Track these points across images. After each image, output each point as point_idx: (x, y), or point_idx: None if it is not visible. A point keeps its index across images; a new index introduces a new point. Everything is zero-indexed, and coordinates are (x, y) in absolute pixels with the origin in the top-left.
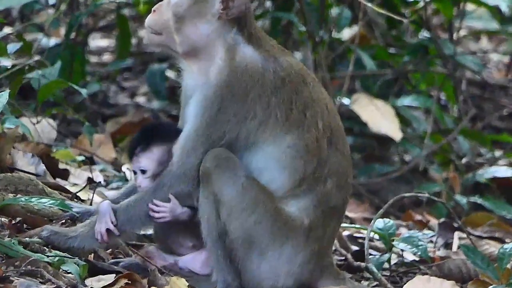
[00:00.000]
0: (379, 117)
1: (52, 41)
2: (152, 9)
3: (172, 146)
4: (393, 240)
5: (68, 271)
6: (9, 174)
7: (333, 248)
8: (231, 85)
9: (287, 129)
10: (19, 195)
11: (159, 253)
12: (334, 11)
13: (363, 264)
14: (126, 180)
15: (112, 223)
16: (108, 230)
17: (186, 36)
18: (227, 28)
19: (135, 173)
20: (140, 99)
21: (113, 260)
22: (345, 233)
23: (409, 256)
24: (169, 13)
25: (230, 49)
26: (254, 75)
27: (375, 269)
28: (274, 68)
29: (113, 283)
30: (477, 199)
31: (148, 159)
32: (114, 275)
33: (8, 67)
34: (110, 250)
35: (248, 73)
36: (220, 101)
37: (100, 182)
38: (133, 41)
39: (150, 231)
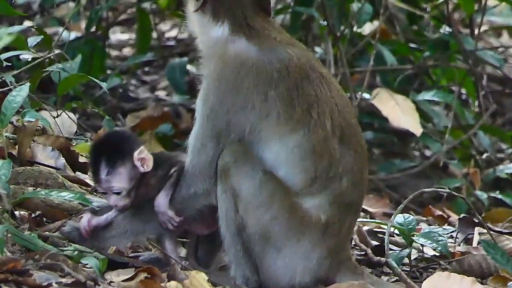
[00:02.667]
0: (399, 112)
1: (73, 35)
2: None
3: (132, 155)
4: (413, 235)
5: (88, 265)
6: (29, 167)
7: (353, 243)
8: (224, 76)
9: (292, 129)
10: (38, 189)
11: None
12: (355, 6)
13: (383, 259)
14: None
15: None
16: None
17: (191, 31)
18: (214, 22)
19: (104, 193)
20: (160, 93)
21: (132, 254)
22: (365, 228)
23: (429, 252)
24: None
25: (221, 42)
26: (246, 64)
27: (395, 264)
28: (269, 59)
29: (133, 277)
30: (497, 195)
31: (120, 181)
32: (134, 269)
33: (28, 61)
34: (130, 244)
35: (240, 62)
36: (216, 91)
37: None
38: (154, 35)
39: None
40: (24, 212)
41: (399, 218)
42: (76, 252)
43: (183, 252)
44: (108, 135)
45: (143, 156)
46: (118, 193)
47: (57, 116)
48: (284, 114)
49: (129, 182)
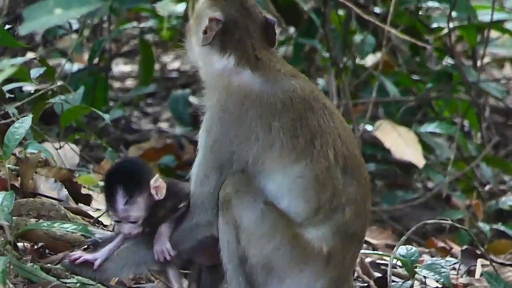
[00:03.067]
0: (402, 143)
1: (75, 66)
2: None
3: (149, 183)
4: (416, 267)
5: None
6: (31, 199)
7: (356, 274)
8: (228, 107)
9: (295, 159)
10: (41, 220)
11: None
12: (357, 37)
13: None
14: None
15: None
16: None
17: (192, 62)
18: (220, 54)
19: (118, 221)
20: (163, 125)
21: (135, 286)
22: (368, 259)
23: (432, 283)
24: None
25: (226, 73)
26: (250, 95)
27: None
28: (273, 91)
29: None
30: (500, 226)
31: (138, 211)
32: None
33: (31, 92)
34: (132, 275)
35: (244, 94)
36: (219, 122)
37: None
38: (156, 66)
39: None
40: (27, 244)
41: (402, 249)
42: (78, 284)
43: (185, 283)
44: (123, 164)
45: (158, 185)
46: (134, 222)
47: (59, 148)
48: (287, 145)
49: (145, 211)
